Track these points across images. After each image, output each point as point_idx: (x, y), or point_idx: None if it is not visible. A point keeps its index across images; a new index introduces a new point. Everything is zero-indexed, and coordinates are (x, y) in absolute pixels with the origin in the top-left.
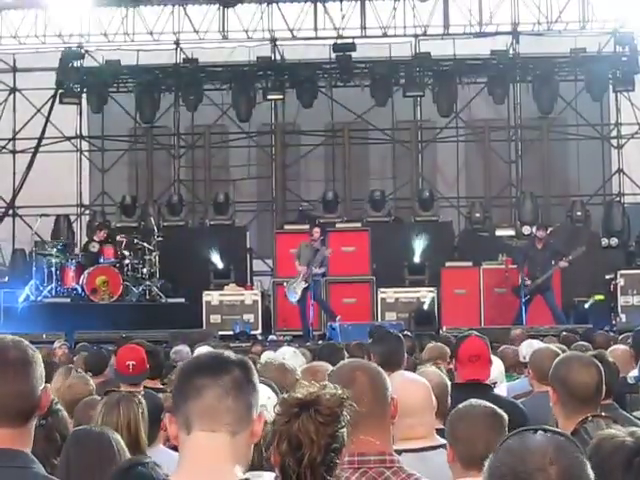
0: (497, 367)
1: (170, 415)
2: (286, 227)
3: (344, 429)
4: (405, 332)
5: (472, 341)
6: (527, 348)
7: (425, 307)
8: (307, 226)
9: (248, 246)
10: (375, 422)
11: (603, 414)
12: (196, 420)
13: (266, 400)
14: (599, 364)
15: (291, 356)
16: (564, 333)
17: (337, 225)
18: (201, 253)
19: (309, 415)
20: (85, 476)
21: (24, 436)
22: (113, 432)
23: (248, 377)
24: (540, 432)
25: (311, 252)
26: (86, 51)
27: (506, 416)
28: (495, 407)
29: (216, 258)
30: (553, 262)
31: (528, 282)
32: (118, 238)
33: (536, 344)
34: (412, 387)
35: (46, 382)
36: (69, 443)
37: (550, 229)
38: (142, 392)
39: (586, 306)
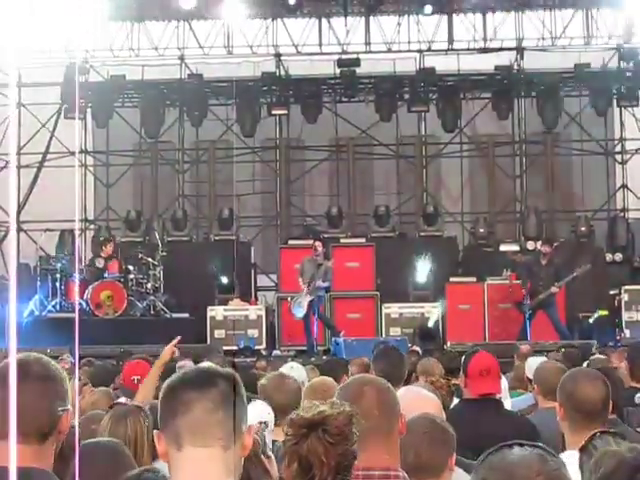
0: (502, 384)
1: (158, 432)
2: (290, 242)
3: (354, 446)
4: (413, 348)
5: (482, 356)
6: (532, 364)
7: (430, 324)
8: (311, 241)
9: (252, 261)
10: (382, 437)
11: (611, 430)
12: (187, 435)
13: (267, 416)
14: (606, 379)
15: (296, 370)
16: (564, 349)
17: (341, 240)
18: (205, 268)
19: (318, 436)
20: None
21: (42, 454)
22: (120, 443)
23: (236, 390)
24: (516, 447)
25: (314, 266)
26: (91, 66)
27: None
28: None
29: (220, 273)
30: (555, 280)
31: (528, 302)
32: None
33: (540, 361)
34: (421, 402)
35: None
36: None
37: (555, 244)
38: (148, 405)
39: (591, 321)
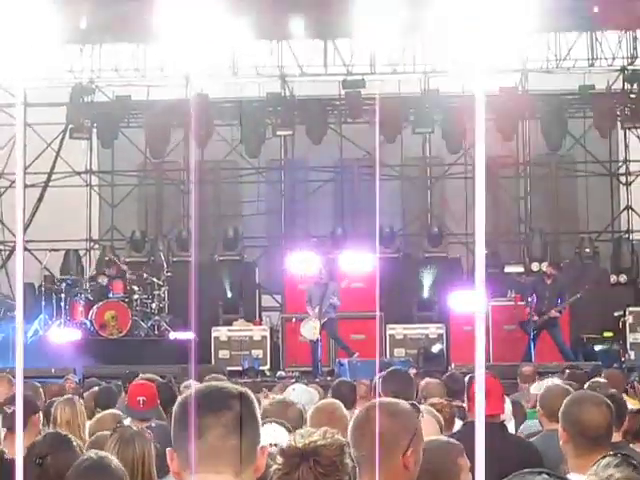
0: (506, 407)
1: (172, 450)
2: (294, 263)
3: (346, 477)
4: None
5: (485, 378)
6: (537, 389)
7: (435, 351)
8: (317, 258)
9: (257, 281)
10: (382, 464)
11: (618, 453)
12: (199, 461)
13: (280, 438)
14: (610, 403)
15: (302, 392)
16: (568, 370)
17: (345, 261)
18: (210, 288)
19: (309, 466)
20: None
21: None
22: (113, 459)
23: (250, 411)
24: (544, 475)
25: (321, 290)
26: (97, 86)
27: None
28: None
29: (225, 293)
30: (559, 301)
31: (535, 318)
32: (128, 275)
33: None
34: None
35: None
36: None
37: (561, 265)
38: (152, 424)
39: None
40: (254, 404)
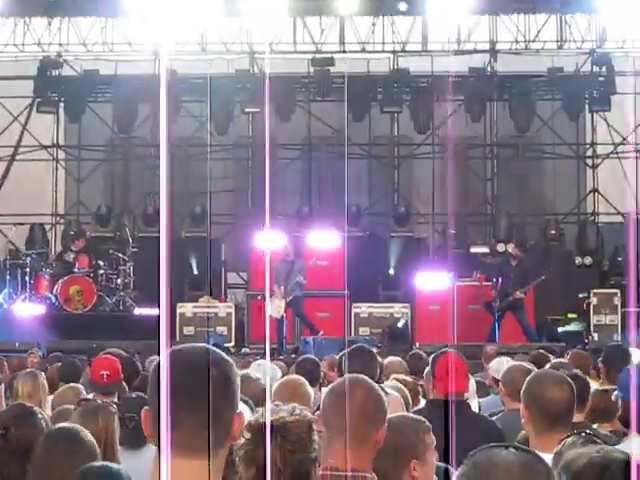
0: (470, 385)
1: (147, 411)
2: (260, 241)
3: (314, 453)
4: (378, 347)
5: (449, 356)
6: (497, 365)
7: (399, 325)
8: (283, 235)
9: (223, 258)
10: (356, 440)
11: (586, 432)
12: (172, 447)
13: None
14: (571, 381)
15: (266, 368)
16: (534, 351)
17: (312, 239)
18: (176, 265)
19: (276, 442)
20: (55, 474)
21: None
22: (84, 430)
23: (228, 384)
24: (511, 449)
25: (287, 268)
26: (64, 60)
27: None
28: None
29: (191, 270)
30: (523, 283)
31: (499, 299)
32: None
33: (505, 362)
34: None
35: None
36: (40, 442)
37: (526, 247)
38: (115, 401)
39: (565, 329)
40: (235, 373)
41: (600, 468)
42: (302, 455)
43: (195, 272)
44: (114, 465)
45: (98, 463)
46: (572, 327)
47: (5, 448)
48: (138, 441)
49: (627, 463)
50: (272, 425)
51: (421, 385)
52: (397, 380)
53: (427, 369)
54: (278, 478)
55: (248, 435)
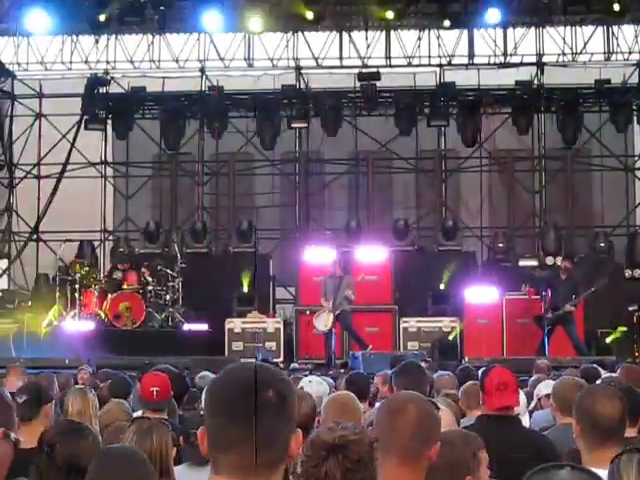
0: (520, 400)
1: (204, 430)
2: (309, 255)
3: (373, 473)
4: (426, 362)
5: (499, 371)
6: (545, 388)
7: (450, 338)
8: (331, 250)
9: (271, 274)
10: (408, 457)
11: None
12: (226, 469)
13: None
14: (622, 396)
15: (317, 384)
16: (584, 365)
17: (360, 254)
18: (224, 280)
19: (337, 460)
20: None
21: None
22: (139, 450)
23: (285, 404)
24: (567, 468)
25: (335, 283)
26: (112, 78)
27: None
28: None
29: (239, 286)
30: (573, 296)
31: (550, 313)
32: (142, 269)
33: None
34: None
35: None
36: (93, 462)
37: (575, 260)
38: (166, 417)
39: (608, 340)
40: (294, 393)
41: None
42: (362, 474)
43: (243, 287)
44: None
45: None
46: (615, 336)
47: (51, 465)
48: (201, 458)
49: None
50: (334, 443)
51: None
52: (448, 395)
53: (467, 384)
54: None
55: (310, 452)
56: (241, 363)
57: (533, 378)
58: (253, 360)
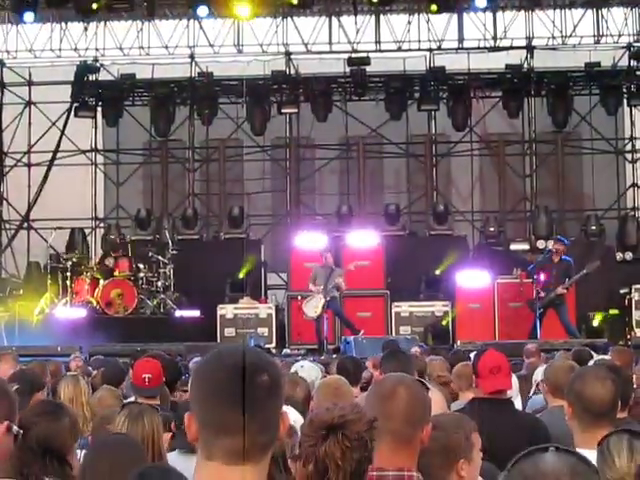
0: (513, 383)
1: (190, 416)
2: (300, 241)
3: (371, 453)
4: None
5: (491, 354)
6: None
7: (443, 323)
8: (322, 236)
9: (262, 259)
10: (402, 441)
11: (627, 428)
12: (220, 454)
13: (292, 423)
14: (615, 377)
15: (310, 368)
16: (576, 348)
17: (351, 239)
18: (216, 266)
19: (336, 439)
20: None
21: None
22: (132, 439)
23: (277, 388)
24: (551, 450)
25: (326, 272)
26: (101, 65)
27: None
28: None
29: (231, 272)
30: (566, 279)
31: (542, 295)
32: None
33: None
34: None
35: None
36: (87, 453)
37: (567, 242)
38: (159, 403)
39: (595, 323)
40: (283, 377)
41: None
42: (361, 453)
43: (235, 273)
44: (169, 467)
45: (156, 464)
46: (600, 317)
47: (25, 447)
48: (192, 445)
49: None
50: (333, 422)
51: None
52: (440, 378)
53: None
54: (336, 475)
55: (308, 432)
56: (227, 347)
57: (527, 362)
58: (237, 343)
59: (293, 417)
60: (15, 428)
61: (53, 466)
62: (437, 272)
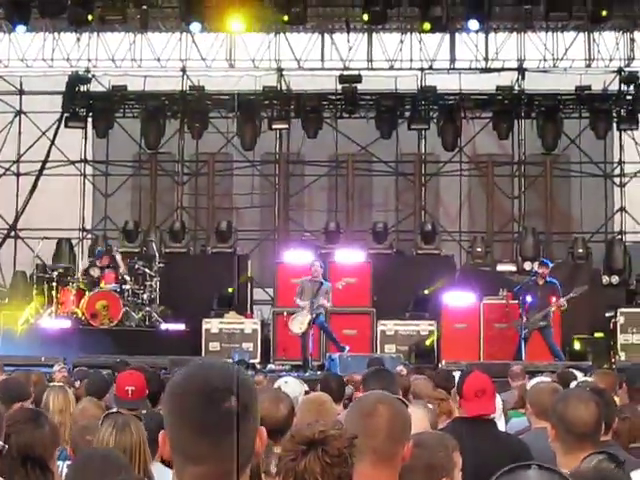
0: (496, 404)
1: (164, 434)
2: (287, 257)
3: (351, 469)
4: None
5: (476, 376)
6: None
7: (427, 343)
8: (309, 253)
9: (249, 275)
10: (383, 458)
11: (603, 451)
12: (193, 479)
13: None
14: (598, 400)
15: (294, 384)
16: (560, 370)
17: (338, 256)
18: (202, 280)
19: (317, 455)
20: None
21: None
22: (117, 453)
23: (249, 411)
24: (534, 468)
25: (314, 287)
26: (93, 75)
27: None
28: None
29: (217, 286)
30: (553, 299)
31: (525, 319)
32: (121, 269)
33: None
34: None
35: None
36: (73, 466)
37: (552, 265)
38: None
39: (426, 292)
40: (256, 397)
41: None
42: (341, 469)
43: (221, 288)
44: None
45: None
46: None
47: (6, 455)
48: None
49: None
50: (314, 437)
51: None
52: (433, 398)
53: (453, 389)
54: None
55: (289, 447)
56: (197, 367)
57: (514, 384)
58: (211, 361)
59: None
60: (0, 444)
61: (35, 473)
62: (426, 292)
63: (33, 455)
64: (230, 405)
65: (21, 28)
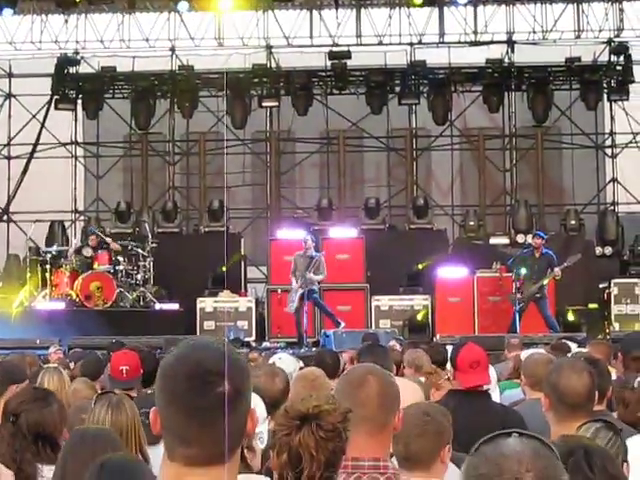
0: (490, 375)
1: (156, 411)
2: (280, 234)
3: (345, 443)
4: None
5: (470, 348)
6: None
7: (419, 318)
8: (302, 231)
9: (242, 253)
10: (376, 428)
11: (598, 419)
12: (180, 459)
13: (258, 410)
14: (591, 370)
15: (289, 360)
16: (554, 341)
17: (331, 232)
18: (195, 260)
19: (311, 429)
20: (81, 474)
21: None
22: (111, 430)
23: (241, 394)
24: (514, 435)
25: (306, 261)
26: (82, 57)
27: None
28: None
29: (211, 265)
30: (549, 270)
31: (520, 294)
32: (112, 245)
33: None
34: (404, 392)
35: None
36: (67, 444)
37: (546, 237)
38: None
39: (420, 267)
40: (249, 378)
41: (562, 455)
42: (335, 444)
43: (215, 267)
44: (134, 457)
45: (119, 454)
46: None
47: (17, 434)
48: (154, 436)
49: (589, 451)
50: (308, 412)
51: (448, 378)
52: (429, 372)
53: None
54: (310, 465)
55: (283, 421)
56: (191, 345)
57: (510, 355)
58: (204, 341)
59: (258, 402)
60: None
61: (46, 452)
62: (419, 267)
63: (44, 433)
64: (220, 390)
65: (8, 11)
